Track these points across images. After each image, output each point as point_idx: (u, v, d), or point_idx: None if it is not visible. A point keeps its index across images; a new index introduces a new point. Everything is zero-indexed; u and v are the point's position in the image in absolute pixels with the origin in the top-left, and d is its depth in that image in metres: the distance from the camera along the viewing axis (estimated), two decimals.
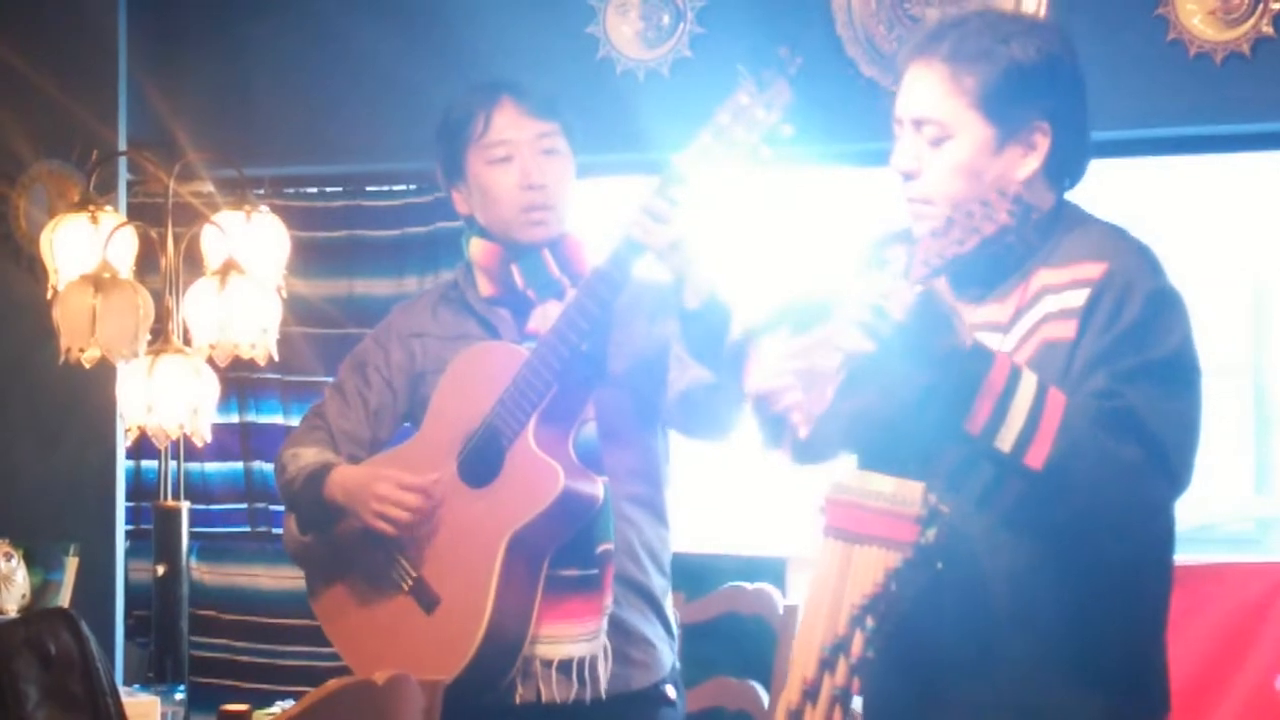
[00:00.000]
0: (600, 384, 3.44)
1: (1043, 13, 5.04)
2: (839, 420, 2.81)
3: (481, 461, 3.41)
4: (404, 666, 2.89)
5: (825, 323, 2.81)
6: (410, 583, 3.46)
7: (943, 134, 2.77)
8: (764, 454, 3.03)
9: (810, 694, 2.65)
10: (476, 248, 3.59)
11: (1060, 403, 2.56)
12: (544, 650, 3.38)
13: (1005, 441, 2.54)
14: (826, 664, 2.64)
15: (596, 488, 3.37)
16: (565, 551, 3.38)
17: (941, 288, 2.58)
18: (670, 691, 3.53)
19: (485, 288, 3.57)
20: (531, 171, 3.50)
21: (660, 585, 3.55)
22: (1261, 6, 4.87)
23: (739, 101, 3.16)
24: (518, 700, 3.39)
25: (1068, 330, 2.66)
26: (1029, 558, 2.68)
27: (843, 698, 2.63)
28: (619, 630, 3.45)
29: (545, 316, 3.43)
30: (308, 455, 3.57)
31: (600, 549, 3.39)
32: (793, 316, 3.01)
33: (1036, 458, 2.53)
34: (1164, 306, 2.67)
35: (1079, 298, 2.66)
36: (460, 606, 3.37)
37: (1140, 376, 2.60)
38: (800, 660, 2.68)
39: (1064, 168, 2.82)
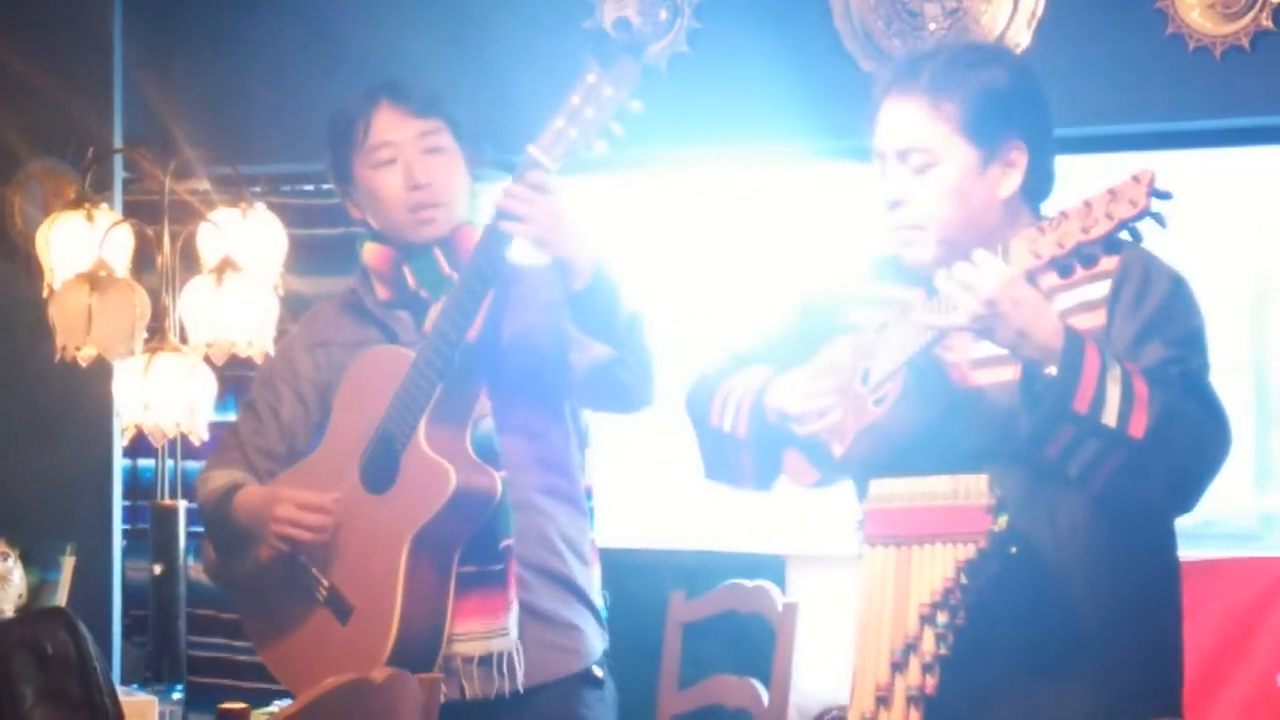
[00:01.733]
0: (493, 376, 3.43)
1: (1040, 10, 5.04)
2: (880, 434, 2.89)
3: (380, 467, 3.40)
4: (327, 677, 2.86)
5: (826, 346, 3.00)
6: (324, 594, 3.46)
7: (929, 161, 2.89)
8: (755, 493, 3.21)
9: (883, 698, 2.72)
10: (369, 252, 3.59)
11: (1139, 374, 2.69)
12: (462, 648, 3.39)
13: (1110, 415, 2.66)
14: (898, 666, 2.71)
15: (493, 482, 3.36)
16: (469, 548, 3.37)
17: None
18: (598, 671, 3.55)
19: (381, 291, 3.57)
20: (415, 171, 3.49)
21: (581, 572, 3.54)
22: (1261, 0, 4.86)
23: (586, 81, 3.14)
24: (442, 699, 3.37)
25: (1096, 319, 2.80)
26: (1084, 533, 2.82)
27: (917, 698, 2.70)
28: (540, 619, 3.46)
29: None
30: (216, 479, 3.59)
31: (502, 544, 3.39)
32: (758, 357, 3.15)
33: (1138, 426, 2.66)
34: (1182, 286, 2.86)
35: (1100, 289, 2.81)
36: (372, 613, 3.36)
37: (1188, 343, 2.81)
38: (868, 668, 2.75)
39: (1039, 183, 2.96)
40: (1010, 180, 2.91)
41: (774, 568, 5.38)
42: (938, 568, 2.71)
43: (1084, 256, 2.62)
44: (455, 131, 3.56)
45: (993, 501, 2.69)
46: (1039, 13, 5.06)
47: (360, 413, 3.45)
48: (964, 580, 2.69)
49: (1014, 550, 2.70)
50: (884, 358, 2.87)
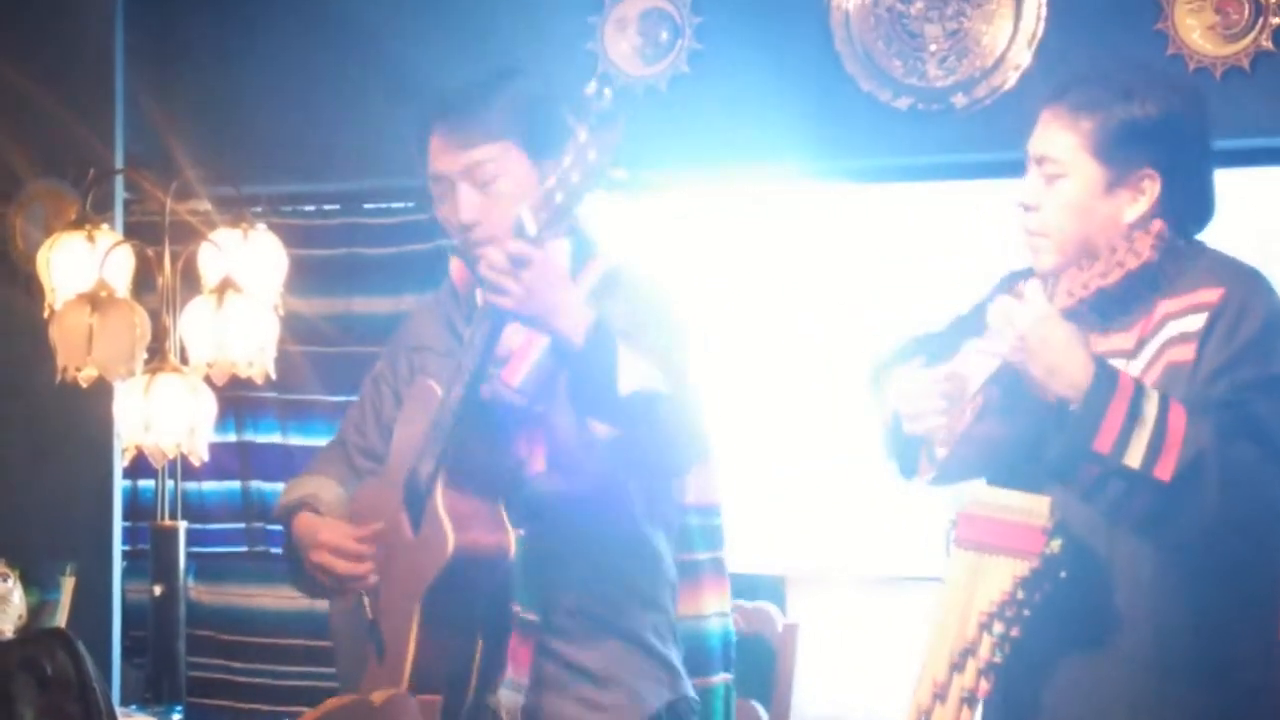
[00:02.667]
0: (543, 421, 3.25)
1: (1040, 31, 5.04)
2: (974, 443, 3.00)
3: (415, 506, 3.30)
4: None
5: (956, 353, 3.06)
6: (368, 624, 3.38)
7: (1059, 172, 2.99)
8: (899, 483, 3.24)
9: (940, 695, 2.88)
10: (453, 266, 3.49)
11: (1182, 414, 2.75)
12: (506, 697, 3.26)
13: (1134, 457, 2.73)
14: (956, 667, 2.87)
15: (503, 541, 3.19)
16: (488, 605, 3.24)
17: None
18: None
19: (460, 307, 3.46)
20: (462, 210, 3.31)
21: (645, 619, 3.36)
22: (1261, 21, 4.87)
23: (578, 141, 2.98)
24: None
25: (1188, 353, 2.86)
26: (1155, 565, 2.85)
27: (970, 699, 2.86)
28: (584, 677, 3.31)
29: (513, 335, 3.25)
30: (297, 489, 3.52)
31: (513, 608, 3.25)
32: (924, 347, 3.21)
33: (1165, 470, 2.72)
34: (1274, 326, 2.87)
35: (1198, 322, 2.86)
36: (393, 657, 3.29)
37: (1258, 386, 2.81)
38: (931, 663, 2.91)
39: (1184, 213, 3.00)
40: (1137, 207, 2.96)
41: (774, 588, 5.37)
42: (999, 579, 2.85)
43: (1134, 297, 2.81)
44: (527, 145, 3.29)
45: (1049, 524, 2.81)
46: (1039, 34, 5.06)
47: (407, 442, 3.36)
48: (1019, 595, 2.83)
49: (1064, 575, 2.82)
50: (977, 370, 2.98)
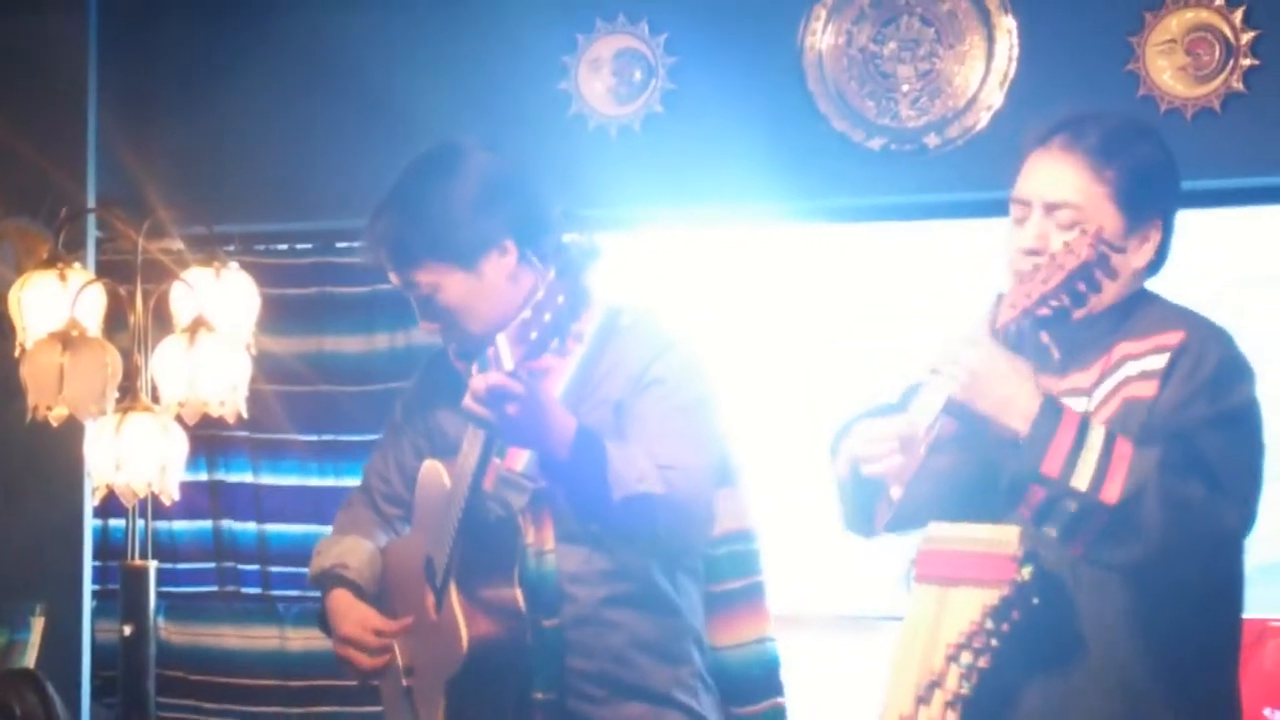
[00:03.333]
0: (549, 494, 3.28)
1: (1012, 72, 5.07)
2: (929, 479, 2.99)
3: (437, 590, 3.35)
4: None
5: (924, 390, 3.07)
6: (404, 691, 3.43)
7: (1078, 219, 2.94)
8: (857, 540, 3.26)
9: None
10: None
11: (1128, 443, 2.79)
12: None
13: (1081, 479, 2.76)
14: (922, 700, 2.86)
15: (518, 628, 3.24)
16: (514, 691, 3.28)
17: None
18: None
19: (458, 364, 3.48)
20: (420, 315, 3.41)
21: (666, 674, 3.37)
22: (1232, 63, 4.90)
23: (548, 280, 2.94)
24: None
25: (1149, 389, 2.89)
26: (1117, 596, 2.87)
27: None
28: None
29: None
30: (328, 553, 3.55)
31: (534, 696, 3.28)
32: (880, 414, 3.18)
33: (1111, 492, 2.75)
34: (1236, 368, 2.92)
35: (1160, 361, 2.90)
36: None
37: (1209, 424, 2.84)
38: (894, 699, 2.91)
39: (1161, 259, 3.06)
40: (1144, 254, 2.99)
41: None
42: (967, 610, 2.84)
43: (1054, 309, 2.80)
44: (452, 256, 3.31)
45: (1019, 552, 2.81)
46: (1011, 74, 5.09)
47: (422, 522, 3.44)
48: (988, 625, 2.82)
49: (1036, 601, 2.82)
50: (928, 405, 2.97)
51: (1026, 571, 2.81)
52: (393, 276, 3.41)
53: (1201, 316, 3.00)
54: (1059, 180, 2.97)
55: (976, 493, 2.96)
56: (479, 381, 3.01)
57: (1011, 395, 2.82)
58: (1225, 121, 4.92)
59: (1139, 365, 2.92)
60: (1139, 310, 2.99)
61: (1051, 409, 2.81)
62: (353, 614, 3.45)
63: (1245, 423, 2.90)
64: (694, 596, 3.45)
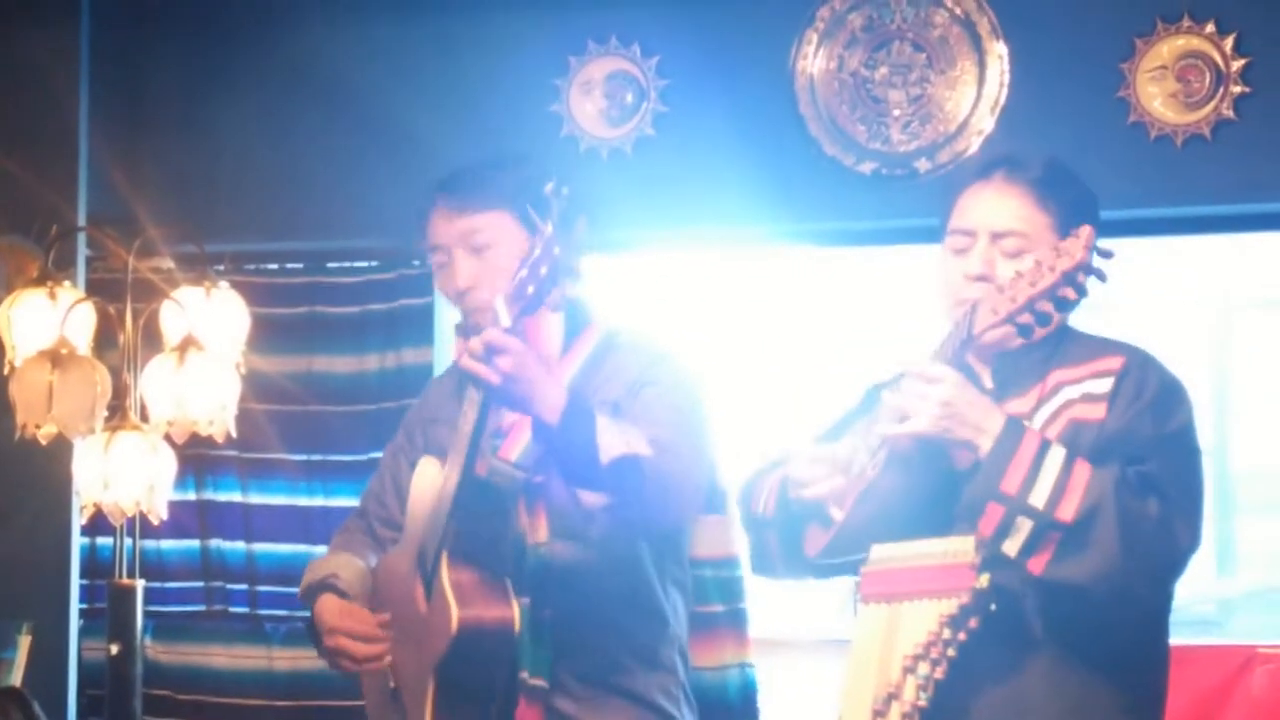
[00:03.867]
0: (544, 489, 3.31)
1: (1003, 97, 5.08)
2: (877, 497, 3.04)
3: (426, 580, 3.35)
4: None
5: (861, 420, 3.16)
6: (392, 692, 3.44)
7: (1023, 247, 3.06)
8: (767, 582, 3.34)
9: None
10: (455, 345, 3.52)
11: (1085, 464, 2.88)
12: None
13: (1038, 497, 2.85)
14: (880, 714, 2.89)
15: (507, 614, 3.26)
16: (503, 676, 3.29)
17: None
18: None
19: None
20: (458, 277, 3.40)
21: (654, 681, 3.39)
22: (1222, 90, 4.91)
23: (544, 234, 3.04)
24: None
25: (1097, 411, 2.98)
26: (1066, 602, 2.91)
27: None
28: None
29: (508, 411, 3.32)
30: (320, 568, 3.57)
31: (520, 676, 3.28)
32: (841, 430, 3.25)
33: (1067, 511, 2.84)
34: (1175, 390, 3.04)
35: (1103, 385, 3.00)
36: None
37: (1157, 446, 2.95)
38: (850, 716, 2.95)
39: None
40: None
41: None
42: (923, 622, 2.88)
43: (1038, 314, 2.83)
44: (521, 219, 3.32)
45: (977, 560, 2.86)
46: (1002, 100, 5.10)
47: (415, 518, 3.44)
48: (946, 635, 2.86)
49: (993, 608, 2.86)
50: (878, 428, 3.04)
51: (985, 579, 2.85)
52: (444, 223, 3.43)
53: (1131, 344, 3.10)
54: (1004, 210, 3.09)
55: (923, 513, 3.00)
56: (476, 340, 3.09)
57: (983, 417, 2.92)
58: (1216, 148, 4.93)
59: (1079, 389, 3.01)
60: (1067, 341, 3.09)
61: (1014, 428, 2.91)
62: (343, 609, 3.45)
63: (1187, 444, 3.01)
64: (681, 610, 3.48)
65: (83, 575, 5.57)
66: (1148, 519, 2.86)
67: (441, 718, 3.28)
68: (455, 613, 3.22)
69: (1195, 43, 4.96)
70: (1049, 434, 2.95)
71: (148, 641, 5.55)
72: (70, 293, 4.90)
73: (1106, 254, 2.85)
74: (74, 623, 5.45)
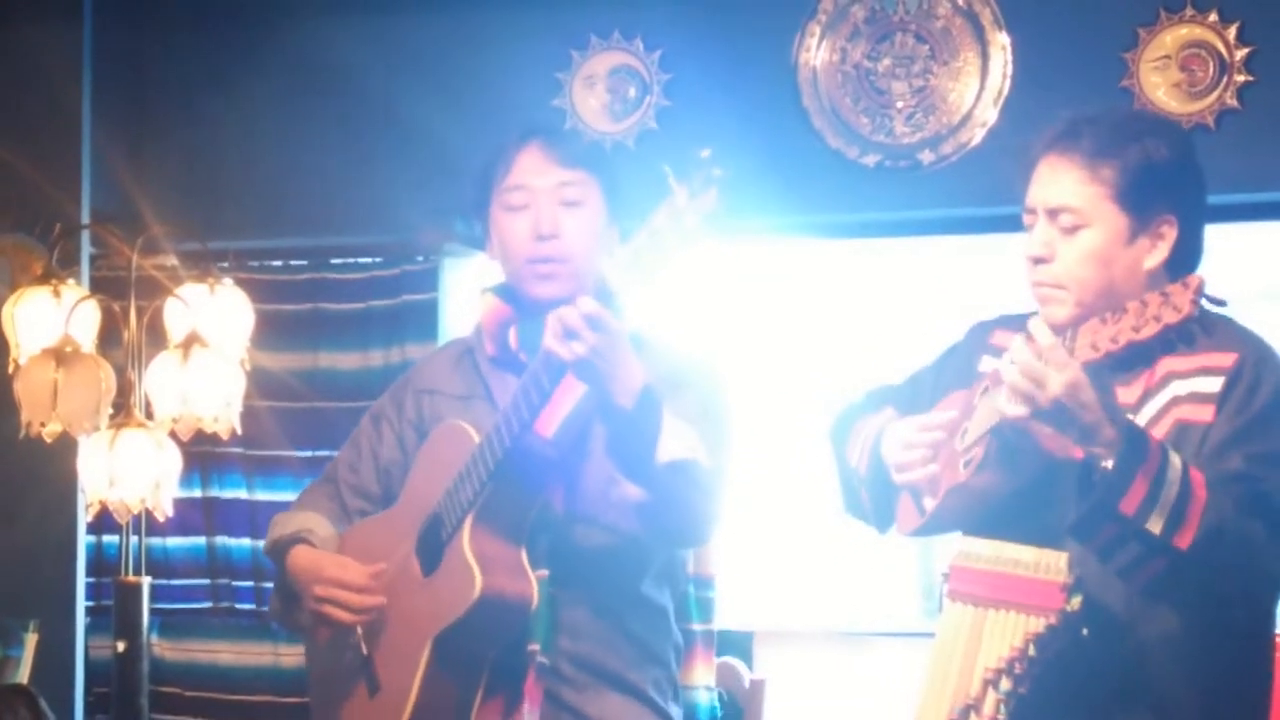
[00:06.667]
0: (571, 471, 3.25)
1: (1007, 88, 5.07)
2: (969, 494, 2.92)
3: (430, 548, 3.28)
4: None
5: (933, 403, 3.03)
6: (361, 660, 3.35)
7: (1079, 222, 2.91)
8: (877, 534, 3.21)
9: None
10: (484, 304, 3.43)
11: (1201, 485, 2.71)
12: None
13: (1156, 523, 2.68)
14: None
15: (527, 589, 3.18)
16: (502, 648, 3.23)
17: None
18: None
19: (488, 347, 3.41)
20: (544, 221, 3.29)
21: (649, 673, 3.35)
22: (1226, 79, 4.90)
23: (675, 203, 2.99)
24: None
25: (1204, 413, 2.82)
26: (1163, 626, 2.81)
27: None
28: None
29: None
30: (290, 522, 3.49)
31: (529, 648, 3.23)
32: (888, 399, 3.17)
33: (1184, 539, 2.68)
34: None
35: (1213, 384, 2.83)
36: (391, 699, 3.26)
37: (1268, 460, 2.77)
38: (927, 718, 2.85)
39: (1186, 258, 2.96)
40: (1157, 253, 2.92)
41: (742, 644, 5.36)
42: (1008, 635, 2.78)
43: (1140, 353, 2.67)
44: (605, 188, 3.37)
45: (1069, 581, 2.74)
46: (1005, 91, 5.09)
47: (428, 483, 3.32)
48: (1031, 652, 2.75)
49: (1086, 632, 2.75)
50: (976, 421, 2.89)
51: (1076, 601, 2.74)
52: (535, 164, 3.34)
53: (1252, 335, 2.94)
54: (1057, 184, 2.94)
55: (1017, 513, 2.89)
56: (570, 311, 2.98)
57: (1097, 423, 2.69)
58: (1219, 138, 4.92)
59: (1187, 385, 2.85)
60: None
61: (1139, 441, 2.71)
62: (333, 558, 3.37)
63: None
64: (671, 610, 3.43)
65: (89, 573, 5.58)
66: (1253, 542, 2.72)
67: (431, 689, 3.20)
68: (479, 580, 3.13)
69: (1198, 32, 4.95)
70: (1156, 433, 2.79)
71: (154, 639, 5.56)
72: (74, 290, 4.91)
73: (1219, 302, 2.68)
74: (80, 620, 5.45)
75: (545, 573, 3.21)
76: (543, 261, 3.30)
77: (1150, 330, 2.62)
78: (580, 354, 2.98)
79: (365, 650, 3.34)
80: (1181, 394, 2.85)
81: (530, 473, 3.22)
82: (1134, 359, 2.79)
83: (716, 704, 3.54)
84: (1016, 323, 3.02)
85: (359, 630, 3.34)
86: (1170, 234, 2.92)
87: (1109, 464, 2.69)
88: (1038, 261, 2.94)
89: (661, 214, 2.96)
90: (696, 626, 3.54)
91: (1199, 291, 2.61)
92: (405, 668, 3.23)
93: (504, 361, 3.38)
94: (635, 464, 3.10)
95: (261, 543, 5.74)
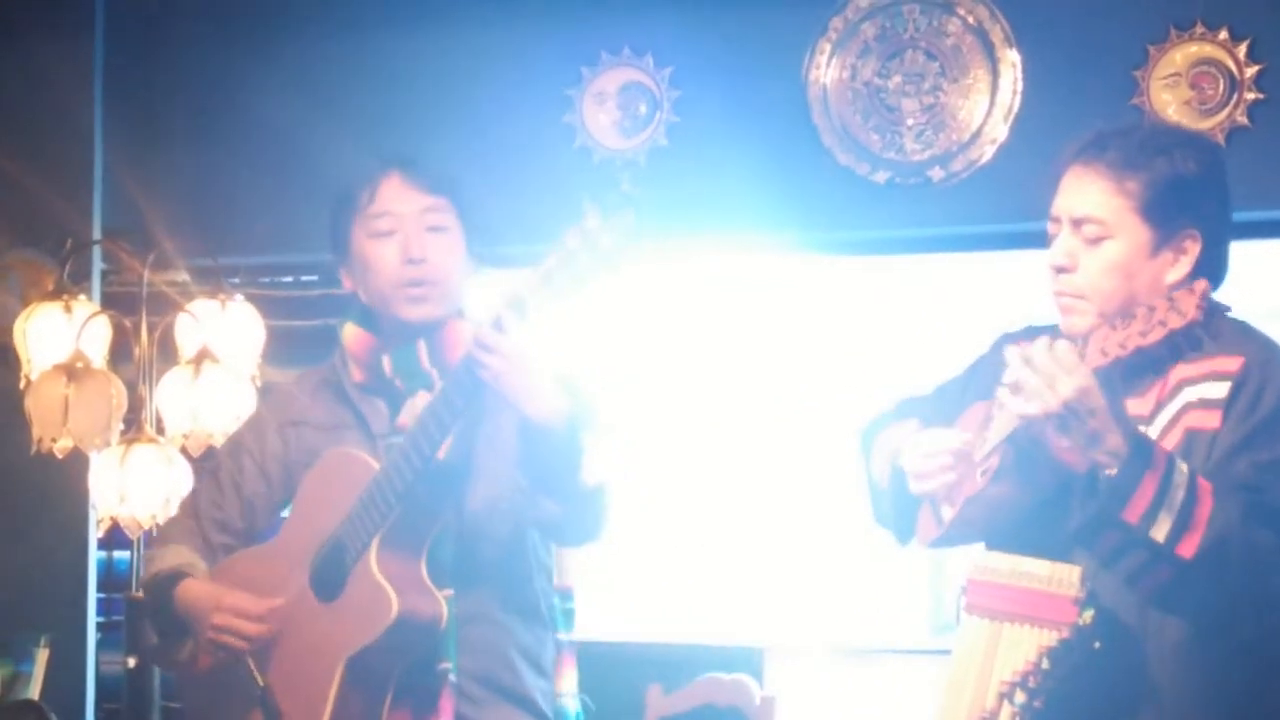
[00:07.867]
0: (460, 490, 3.33)
1: (1017, 105, 5.07)
2: (985, 505, 2.92)
3: (329, 575, 3.32)
4: None
5: (956, 415, 3.03)
6: (258, 691, 3.34)
7: (1103, 233, 2.91)
8: (893, 546, 3.21)
9: None
10: (348, 334, 3.50)
11: (1209, 493, 2.70)
12: None
13: (1160, 531, 2.68)
14: None
15: (438, 608, 3.26)
16: (409, 666, 3.28)
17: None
18: None
19: (356, 374, 3.47)
20: (412, 245, 3.37)
21: (538, 685, 3.43)
22: (1236, 96, 4.90)
23: (586, 225, 3.04)
24: None
25: (1212, 420, 2.81)
26: (1175, 639, 2.80)
27: None
28: None
29: (414, 409, 3.32)
30: (164, 558, 3.51)
31: (439, 667, 3.29)
32: (914, 410, 3.18)
33: (1188, 548, 2.67)
34: None
35: (1220, 389, 2.82)
36: None
37: (1271, 467, 2.76)
38: None
39: (1210, 272, 2.93)
40: (1179, 267, 2.90)
41: (752, 660, 5.36)
42: (1023, 648, 2.78)
43: (1151, 362, 2.69)
44: (462, 215, 3.44)
45: (1081, 595, 2.75)
46: (1016, 108, 5.09)
47: (320, 512, 3.37)
48: (1045, 665, 2.75)
49: (1098, 645, 2.75)
50: (994, 430, 2.89)
51: (1088, 615, 2.74)
52: (398, 193, 3.45)
53: (1258, 334, 2.93)
54: (1083, 194, 2.93)
55: (1034, 524, 2.89)
56: (487, 332, 3.09)
57: (1104, 429, 2.69)
58: (1229, 155, 4.88)
59: (1197, 391, 2.84)
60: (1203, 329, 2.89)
61: (1144, 448, 2.71)
62: (218, 602, 3.38)
63: None
64: (549, 623, 3.50)
65: (100, 588, 5.58)
66: (1260, 550, 2.70)
67: (341, 708, 3.25)
68: (395, 602, 3.19)
69: (1208, 49, 4.95)
70: (1168, 443, 2.79)
71: None
72: (85, 306, 4.91)
73: (1224, 308, 2.68)
74: (91, 636, 5.46)
75: (450, 592, 3.28)
76: (414, 285, 3.38)
77: (1156, 335, 2.64)
78: (497, 369, 3.08)
79: (261, 681, 3.34)
80: (1193, 400, 2.84)
81: (433, 493, 3.28)
82: (1146, 368, 2.82)
83: (581, 711, 3.59)
84: (1042, 335, 2.98)
85: (250, 662, 3.36)
86: (1194, 249, 2.91)
87: (1112, 471, 2.69)
88: (1060, 271, 2.94)
89: (573, 236, 3.03)
90: (563, 636, 3.58)
91: (1204, 296, 2.62)
92: (314, 692, 3.26)
93: (375, 388, 3.45)
94: (558, 484, 3.18)
95: None
